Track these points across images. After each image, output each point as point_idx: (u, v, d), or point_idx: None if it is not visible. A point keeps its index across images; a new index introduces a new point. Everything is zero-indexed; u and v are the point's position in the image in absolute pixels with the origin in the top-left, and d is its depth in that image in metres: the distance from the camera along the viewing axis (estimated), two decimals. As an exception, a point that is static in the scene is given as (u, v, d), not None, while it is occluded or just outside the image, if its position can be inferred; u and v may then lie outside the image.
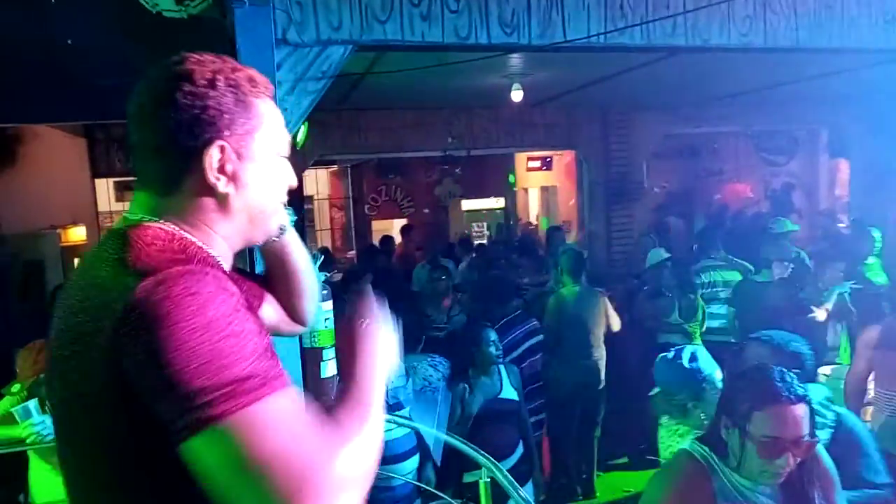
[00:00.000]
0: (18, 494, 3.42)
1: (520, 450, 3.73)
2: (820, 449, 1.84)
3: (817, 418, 1.89)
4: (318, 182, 12.45)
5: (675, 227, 8.45)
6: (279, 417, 0.85)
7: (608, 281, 5.98)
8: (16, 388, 3.11)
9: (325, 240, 12.21)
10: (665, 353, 2.64)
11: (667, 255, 5.32)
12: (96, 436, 0.94)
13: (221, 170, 1.02)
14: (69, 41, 3.01)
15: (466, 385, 3.65)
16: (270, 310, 1.34)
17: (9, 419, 2.87)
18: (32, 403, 2.86)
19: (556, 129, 7.45)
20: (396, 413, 3.25)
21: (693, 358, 2.53)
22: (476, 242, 9.51)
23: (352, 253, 11.41)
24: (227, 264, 1.07)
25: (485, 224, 12.40)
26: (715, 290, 5.36)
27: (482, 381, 3.68)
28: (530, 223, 11.67)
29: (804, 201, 9.96)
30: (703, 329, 5.11)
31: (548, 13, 3.18)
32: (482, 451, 2.50)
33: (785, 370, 1.80)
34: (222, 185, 1.02)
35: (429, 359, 3.80)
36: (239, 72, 1.04)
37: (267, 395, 0.85)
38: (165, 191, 1.03)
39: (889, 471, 2.28)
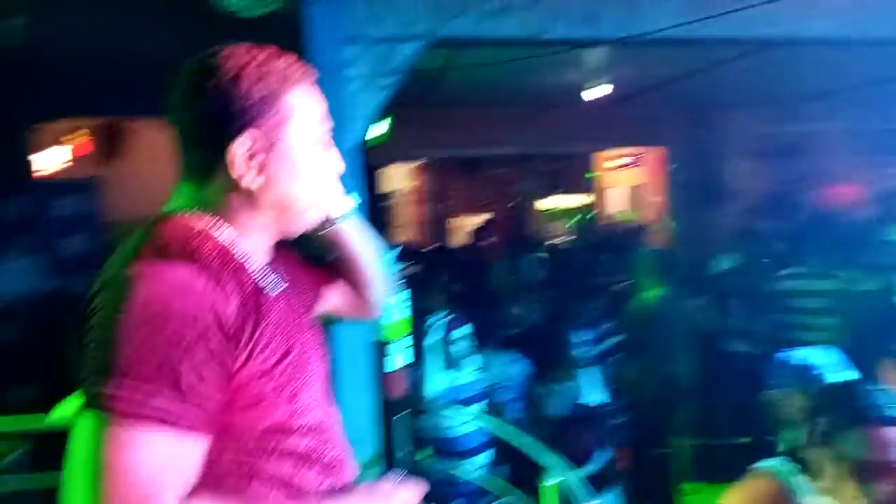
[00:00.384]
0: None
1: (598, 456, 3.63)
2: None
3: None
4: (399, 178, 12.58)
5: (765, 231, 8.02)
6: (155, 450, 0.87)
7: (694, 284, 5.74)
8: None
9: (403, 235, 12.34)
10: (782, 354, 2.51)
11: (738, 261, 5.07)
12: None
13: (249, 162, 1.03)
14: (155, 41, 3.13)
15: (546, 386, 3.58)
16: (335, 296, 1.34)
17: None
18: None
19: (641, 126, 7.21)
20: (469, 407, 3.25)
21: (810, 361, 2.39)
22: (557, 241, 9.36)
23: (430, 248, 11.48)
24: (259, 256, 1.08)
25: (566, 222, 12.19)
26: (805, 298, 5.02)
27: (563, 383, 3.59)
28: (613, 222, 11.39)
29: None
30: (794, 338, 4.81)
31: (628, 3, 3.04)
32: (555, 454, 2.45)
33: (878, 388, 1.66)
34: (249, 178, 1.03)
35: (507, 356, 3.77)
36: (269, 63, 1.04)
37: (161, 426, 0.87)
38: (201, 182, 1.06)
39: None
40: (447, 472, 3.17)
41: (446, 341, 3.36)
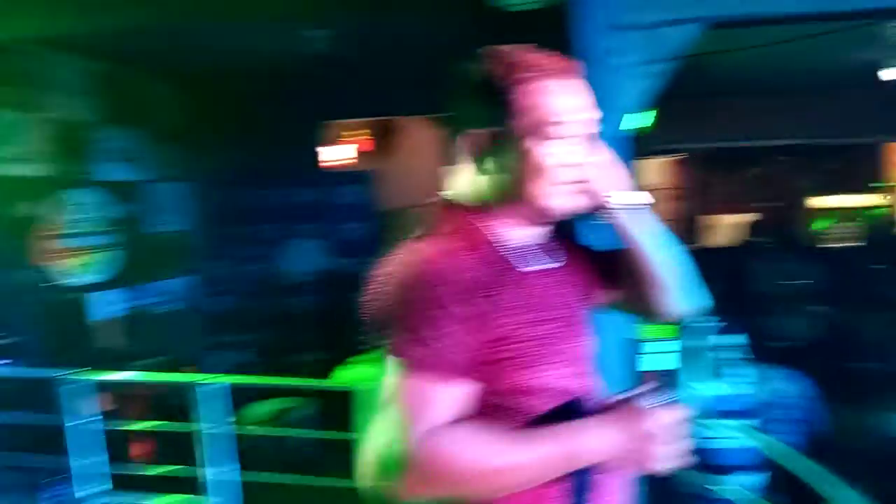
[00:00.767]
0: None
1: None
2: None
3: None
4: (657, 171, 12.06)
5: None
6: (419, 387, 1.08)
7: None
8: None
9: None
10: None
11: None
12: None
13: (485, 155, 1.19)
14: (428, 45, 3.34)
15: (839, 413, 3.18)
16: (615, 286, 1.37)
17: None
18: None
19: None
20: (735, 421, 3.01)
21: None
22: (840, 245, 8.38)
23: (689, 247, 10.88)
24: (518, 236, 1.22)
25: (851, 224, 10.75)
26: None
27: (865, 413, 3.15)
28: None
29: None
30: None
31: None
32: (855, 491, 2.14)
33: None
34: (490, 170, 1.19)
35: (785, 372, 3.44)
36: (531, 62, 1.15)
37: (421, 370, 1.07)
38: (468, 172, 1.24)
39: None
40: (702, 486, 2.96)
41: (715, 349, 3.15)
